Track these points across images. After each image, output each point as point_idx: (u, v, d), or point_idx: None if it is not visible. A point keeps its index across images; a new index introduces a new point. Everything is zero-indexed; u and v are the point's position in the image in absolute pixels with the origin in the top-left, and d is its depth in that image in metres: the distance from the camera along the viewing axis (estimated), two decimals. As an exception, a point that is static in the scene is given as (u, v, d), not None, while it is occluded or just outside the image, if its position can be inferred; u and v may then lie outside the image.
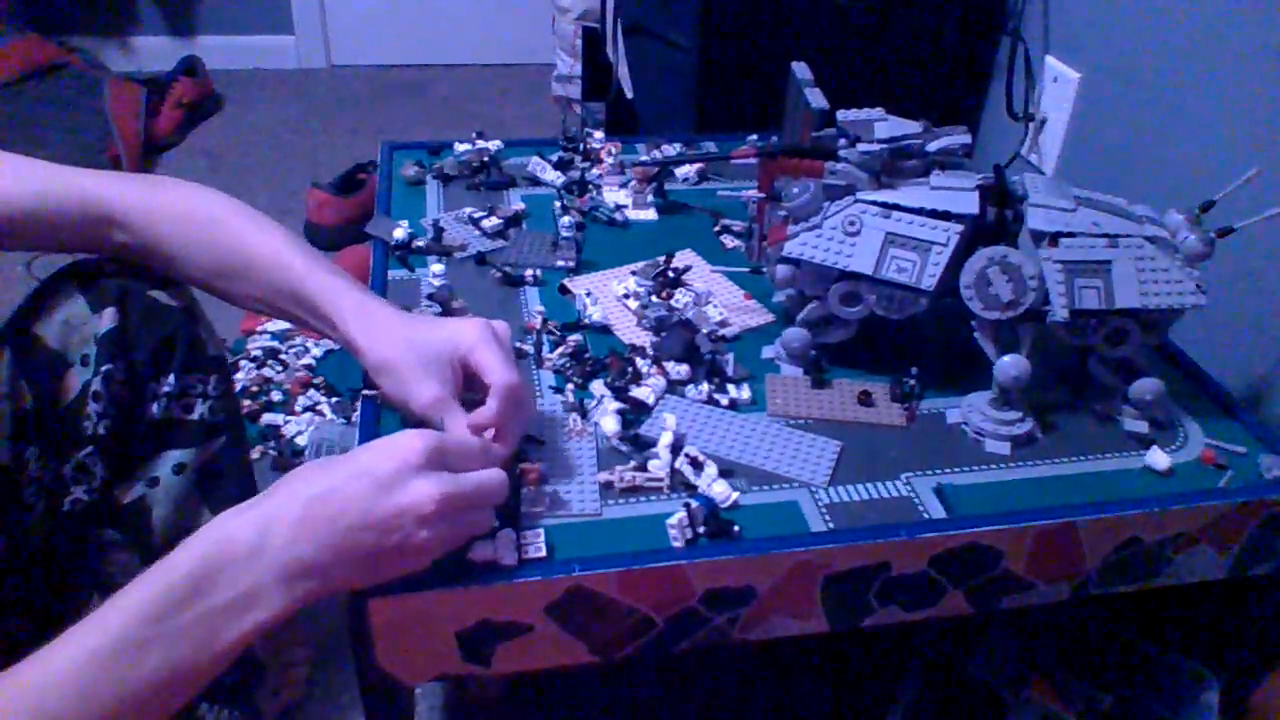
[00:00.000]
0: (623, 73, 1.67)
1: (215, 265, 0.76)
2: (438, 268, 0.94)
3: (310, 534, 0.56)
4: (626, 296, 0.93)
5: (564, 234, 0.99)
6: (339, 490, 0.58)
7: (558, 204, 1.10)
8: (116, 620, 0.53)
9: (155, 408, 0.78)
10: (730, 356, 0.85)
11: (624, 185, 1.15)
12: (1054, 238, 0.78)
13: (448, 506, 0.59)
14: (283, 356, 1.56)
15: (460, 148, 1.17)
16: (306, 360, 1.55)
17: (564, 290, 0.95)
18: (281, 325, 1.61)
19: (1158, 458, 0.78)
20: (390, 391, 0.72)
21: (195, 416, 0.80)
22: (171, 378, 0.78)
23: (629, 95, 1.67)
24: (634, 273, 0.94)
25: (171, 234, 0.75)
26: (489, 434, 0.70)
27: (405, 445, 0.60)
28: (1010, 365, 0.77)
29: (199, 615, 0.54)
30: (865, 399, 0.82)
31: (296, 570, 0.56)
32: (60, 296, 0.76)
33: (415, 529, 0.58)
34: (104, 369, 0.75)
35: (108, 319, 0.75)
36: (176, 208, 0.76)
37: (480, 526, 0.64)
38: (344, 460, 0.60)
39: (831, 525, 0.71)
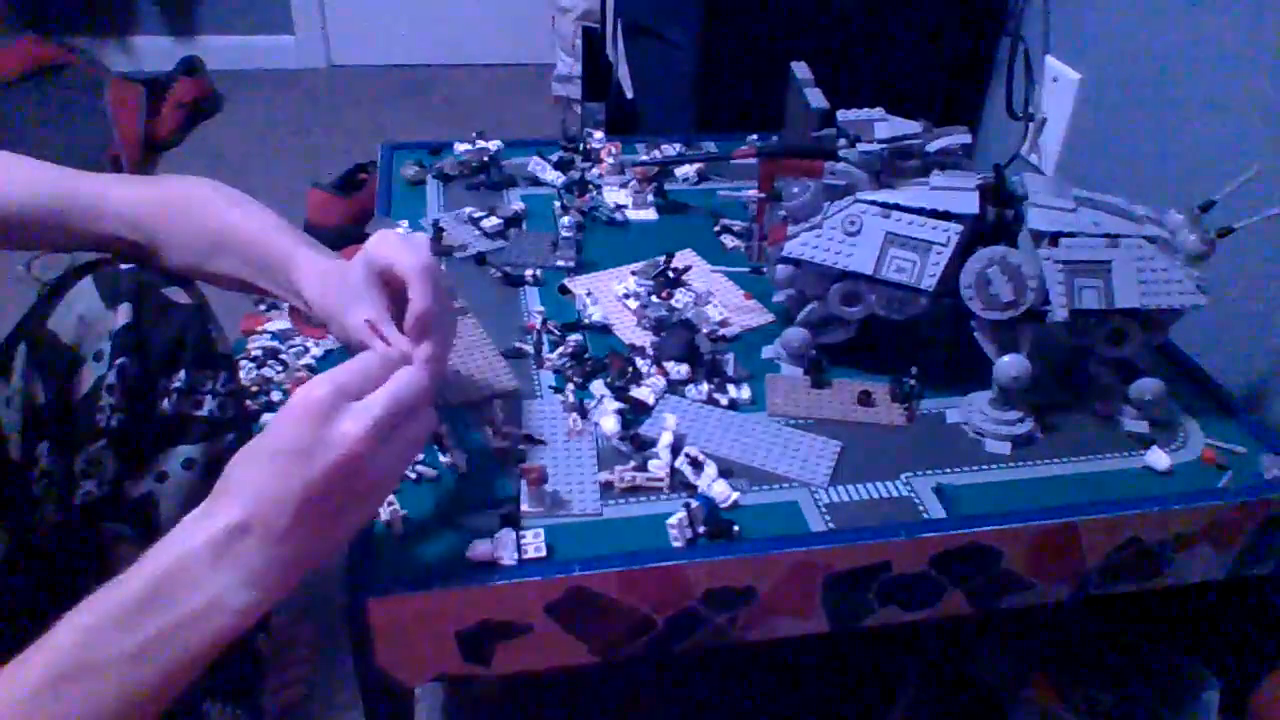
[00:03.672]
0: (623, 73, 1.67)
1: (197, 244, 0.77)
2: (438, 268, 0.94)
3: (262, 535, 0.54)
4: (626, 296, 0.93)
5: (564, 234, 0.99)
6: (271, 480, 0.55)
7: (558, 204, 1.10)
8: (69, 640, 0.51)
9: (166, 403, 0.79)
10: (730, 356, 0.85)
11: (624, 185, 1.14)
12: (1054, 238, 0.78)
13: (378, 434, 0.57)
14: (283, 356, 1.56)
15: (460, 148, 1.17)
16: (306, 360, 1.55)
17: (564, 290, 0.95)
18: (282, 325, 1.61)
19: (1158, 458, 0.78)
20: (337, 335, 0.71)
21: (204, 413, 0.80)
22: (183, 373, 0.79)
23: (629, 95, 1.67)
24: (634, 273, 0.94)
25: (157, 221, 0.77)
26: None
27: (303, 404, 0.57)
28: (1010, 365, 0.77)
29: (156, 633, 0.52)
30: (865, 399, 0.82)
31: (257, 572, 0.55)
32: (76, 293, 0.77)
33: (362, 470, 0.56)
34: (119, 362, 0.75)
35: (123, 315, 0.76)
36: (159, 195, 0.78)
37: (429, 426, 0.62)
38: (257, 449, 0.57)
39: (831, 525, 0.71)
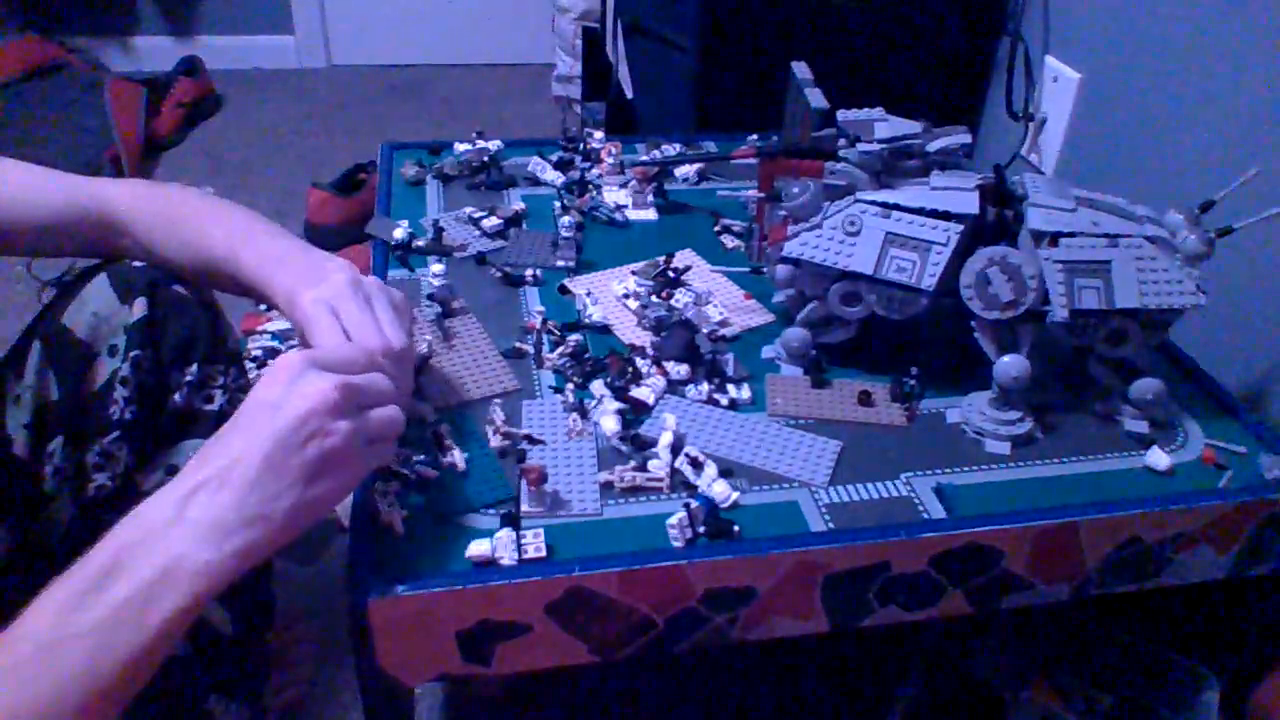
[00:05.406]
0: (623, 73, 1.67)
1: (184, 255, 0.78)
2: (438, 268, 0.94)
3: (229, 487, 0.55)
4: (626, 296, 0.93)
5: (564, 234, 0.99)
6: (241, 435, 0.56)
7: (558, 204, 1.10)
8: (36, 624, 0.51)
9: (178, 396, 0.79)
10: (730, 356, 0.85)
11: (624, 185, 1.15)
12: (1054, 238, 0.78)
13: (350, 395, 0.58)
14: (283, 356, 1.56)
15: (460, 148, 1.17)
16: (306, 360, 1.55)
17: (564, 290, 0.95)
18: (281, 325, 1.61)
19: (1158, 458, 0.78)
20: None
21: (215, 407, 0.81)
22: (194, 367, 0.80)
23: (629, 95, 1.67)
24: (634, 273, 0.94)
25: (152, 231, 0.78)
26: None
27: (284, 363, 0.59)
28: (1010, 365, 0.77)
29: (117, 605, 0.52)
30: (865, 399, 0.82)
31: (221, 528, 0.54)
32: (90, 290, 0.78)
33: (328, 423, 0.57)
34: (133, 354, 0.76)
35: (139, 308, 0.77)
36: (152, 205, 0.78)
37: (395, 426, 0.63)
38: (232, 418, 0.59)
39: (831, 525, 0.71)
